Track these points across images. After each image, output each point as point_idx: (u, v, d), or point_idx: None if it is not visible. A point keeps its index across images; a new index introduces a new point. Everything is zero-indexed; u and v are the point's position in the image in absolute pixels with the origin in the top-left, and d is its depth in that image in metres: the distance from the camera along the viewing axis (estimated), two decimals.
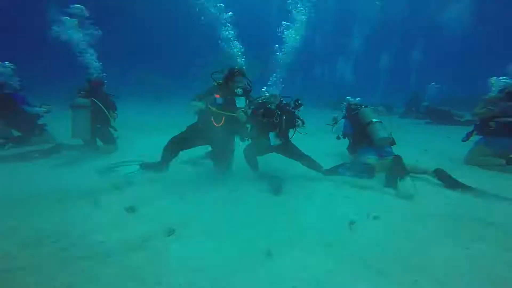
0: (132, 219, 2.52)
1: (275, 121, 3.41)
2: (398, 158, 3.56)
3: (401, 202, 2.97)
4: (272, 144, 3.45)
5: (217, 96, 3.27)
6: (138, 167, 3.46)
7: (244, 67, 3.51)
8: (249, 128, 3.71)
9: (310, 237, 2.32)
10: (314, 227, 2.47)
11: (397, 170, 3.38)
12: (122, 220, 2.49)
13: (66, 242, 2.12)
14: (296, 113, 3.53)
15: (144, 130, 7.31)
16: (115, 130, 5.12)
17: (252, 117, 3.49)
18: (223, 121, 3.29)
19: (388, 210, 2.77)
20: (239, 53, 4.13)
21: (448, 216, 2.67)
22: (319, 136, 6.78)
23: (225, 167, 3.71)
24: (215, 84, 3.45)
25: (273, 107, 3.41)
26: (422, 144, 6.06)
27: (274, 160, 4.05)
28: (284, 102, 3.56)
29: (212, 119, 3.31)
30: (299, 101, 3.48)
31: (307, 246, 2.19)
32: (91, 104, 4.51)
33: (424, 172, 3.65)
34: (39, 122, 5.06)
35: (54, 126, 5.38)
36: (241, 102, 3.25)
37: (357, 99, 4.92)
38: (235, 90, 3.25)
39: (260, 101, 3.50)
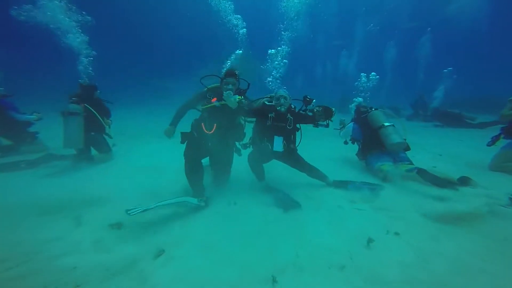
0: (116, 238, 2.21)
1: (288, 128, 3.10)
2: (423, 172, 3.26)
3: (424, 215, 2.60)
4: (275, 149, 3.12)
5: (213, 100, 3.00)
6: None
7: (236, 67, 3.22)
8: (246, 134, 3.42)
9: (320, 257, 2.01)
10: (324, 246, 2.15)
11: (439, 182, 3.06)
12: (105, 238, 2.19)
13: (33, 266, 1.83)
14: (309, 108, 3.16)
15: (143, 137, 7.03)
16: (110, 137, 4.86)
17: (252, 115, 3.20)
18: (214, 128, 2.98)
19: (409, 225, 2.42)
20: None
21: (488, 233, 2.28)
22: (325, 140, 6.47)
23: (224, 179, 3.42)
24: (205, 89, 3.17)
25: (283, 109, 3.07)
26: (434, 148, 5.70)
27: (276, 168, 3.73)
28: (293, 106, 3.23)
29: (203, 126, 3.01)
30: (308, 97, 3.15)
31: (317, 269, 1.88)
32: (83, 110, 4.27)
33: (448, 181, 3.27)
34: (31, 129, 4.83)
35: (48, 134, 5.16)
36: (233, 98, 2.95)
37: (359, 99, 4.63)
38: (224, 92, 2.92)
39: (267, 102, 3.16)
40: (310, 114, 3.14)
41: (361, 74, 4.73)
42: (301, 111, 3.22)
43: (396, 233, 2.28)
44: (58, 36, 4.41)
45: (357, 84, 4.75)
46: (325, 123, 3.12)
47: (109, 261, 1.87)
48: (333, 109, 3.03)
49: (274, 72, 3.39)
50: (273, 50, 3.90)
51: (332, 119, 3.11)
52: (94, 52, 4.62)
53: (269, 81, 3.60)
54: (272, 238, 2.25)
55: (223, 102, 2.92)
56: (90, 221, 2.44)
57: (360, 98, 4.65)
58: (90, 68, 4.61)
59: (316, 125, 3.16)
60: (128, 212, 2.25)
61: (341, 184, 3.36)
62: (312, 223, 2.48)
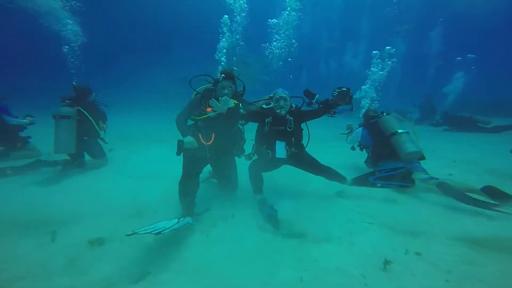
0: (94, 256, 1.94)
1: (288, 130, 2.78)
2: (443, 185, 2.90)
3: (449, 231, 2.26)
4: (277, 156, 2.79)
5: (208, 110, 2.74)
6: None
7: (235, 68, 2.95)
8: (245, 140, 3.16)
9: (329, 282, 1.71)
10: (333, 268, 1.84)
11: (465, 198, 2.67)
12: (81, 257, 1.92)
13: None
14: (314, 101, 2.82)
15: (143, 142, 6.81)
16: (105, 142, 4.62)
17: (249, 118, 2.93)
18: (213, 138, 2.75)
19: (432, 244, 2.09)
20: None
21: None
22: (330, 145, 6.18)
23: (231, 189, 3.18)
24: (196, 93, 2.92)
25: (283, 112, 2.76)
26: (447, 154, 5.35)
27: (279, 175, 3.43)
28: (294, 106, 2.92)
29: (200, 137, 2.78)
30: (310, 90, 2.82)
31: None
32: (76, 114, 4.06)
33: (470, 191, 2.87)
34: (22, 134, 4.64)
35: (42, 139, 4.95)
36: (229, 104, 2.68)
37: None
38: (220, 97, 2.67)
39: (265, 106, 2.88)
40: (321, 106, 2.80)
41: (373, 52, 4.26)
42: (306, 106, 2.89)
43: (418, 253, 1.96)
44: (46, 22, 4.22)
45: (369, 72, 4.32)
46: (349, 107, 2.75)
47: (79, 285, 1.60)
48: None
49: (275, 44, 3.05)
50: (274, 20, 3.58)
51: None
52: (84, 40, 4.41)
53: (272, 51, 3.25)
54: (273, 258, 1.95)
55: (216, 112, 2.68)
56: (67, 236, 2.17)
57: (382, 72, 4.20)
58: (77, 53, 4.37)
59: (332, 114, 2.79)
60: (127, 235, 1.92)
61: (362, 180, 2.99)
62: (318, 241, 2.17)
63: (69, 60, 4.41)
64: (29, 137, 4.74)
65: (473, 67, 9.31)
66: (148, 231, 1.89)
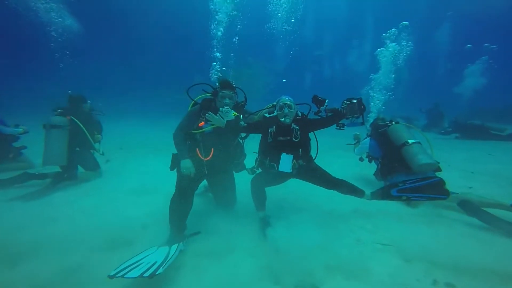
0: (65, 285, 1.66)
1: (294, 140, 2.51)
2: (466, 203, 2.58)
3: (481, 257, 1.91)
4: (280, 169, 2.49)
5: (201, 124, 2.54)
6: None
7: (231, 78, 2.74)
8: (246, 155, 2.93)
9: None
10: None
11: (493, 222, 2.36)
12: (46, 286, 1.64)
13: None
14: (323, 109, 2.55)
15: (142, 151, 6.59)
16: (99, 153, 4.39)
17: (250, 131, 2.68)
18: (212, 153, 2.52)
19: (464, 271, 1.76)
20: None
21: None
22: (336, 156, 5.87)
23: (230, 204, 2.94)
24: (194, 104, 2.72)
25: (287, 121, 2.50)
26: (463, 165, 5.00)
27: (284, 189, 3.13)
28: (300, 113, 2.65)
29: (198, 152, 2.55)
30: (319, 97, 2.56)
31: None
32: (69, 123, 3.88)
33: (498, 207, 2.54)
34: (16, 144, 4.47)
35: (37, 150, 4.77)
36: (229, 116, 2.46)
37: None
38: (221, 108, 2.46)
39: (268, 115, 2.64)
40: (330, 114, 2.55)
41: (390, 31, 3.93)
42: (313, 115, 2.62)
43: (450, 285, 1.63)
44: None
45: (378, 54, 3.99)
46: (360, 120, 2.51)
47: None
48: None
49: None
50: None
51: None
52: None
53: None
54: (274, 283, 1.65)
55: (214, 125, 2.47)
56: (35, 262, 1.89)
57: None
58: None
59: (341, 127, 2.56)
60: (110, 276, 1.62)
61: (383, 194, 2.66)
62: (326, 267, 1.86)
63: (55, 43, 4.23)
64: (23, 148, 4.57)
65: (491, 61, 8.22)
66: (138, 273, 1.61)
